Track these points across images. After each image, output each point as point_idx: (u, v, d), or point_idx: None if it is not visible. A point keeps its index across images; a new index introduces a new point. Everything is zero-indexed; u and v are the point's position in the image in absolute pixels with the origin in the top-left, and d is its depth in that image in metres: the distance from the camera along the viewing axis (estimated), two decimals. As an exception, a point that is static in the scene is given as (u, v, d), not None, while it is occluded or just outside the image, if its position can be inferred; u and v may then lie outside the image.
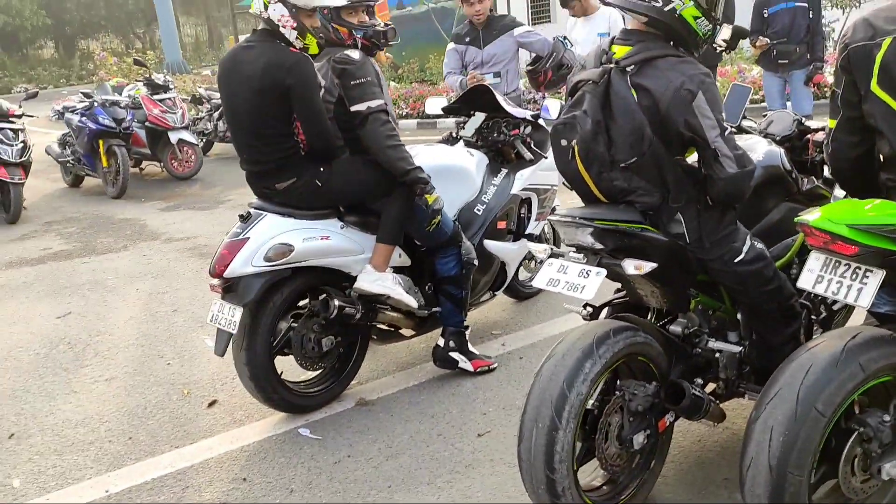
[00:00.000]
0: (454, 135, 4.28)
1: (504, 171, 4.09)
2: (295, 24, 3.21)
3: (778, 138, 3.01)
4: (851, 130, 2.30)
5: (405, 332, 3.83)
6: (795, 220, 2.11)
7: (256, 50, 3.26)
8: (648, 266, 2.31)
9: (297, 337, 3.38)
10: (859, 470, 2.16)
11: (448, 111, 4.39)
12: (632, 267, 2.32)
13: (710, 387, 2.68)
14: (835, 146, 2.40)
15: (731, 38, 2.32)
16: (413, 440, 3.21)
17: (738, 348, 2.55)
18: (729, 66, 10.98)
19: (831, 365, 2.06)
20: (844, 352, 2.08)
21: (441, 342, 3.72)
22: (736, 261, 2.49)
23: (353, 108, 3.33)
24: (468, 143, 4.17)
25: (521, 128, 4.11)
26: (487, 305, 4.30)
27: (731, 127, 2.85)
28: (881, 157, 2.28)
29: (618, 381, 2.50)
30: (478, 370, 3.70)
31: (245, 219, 3.28)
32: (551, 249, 2.46)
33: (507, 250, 4.05)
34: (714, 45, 2.72)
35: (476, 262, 3.73)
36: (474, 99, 4.22)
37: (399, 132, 3.49)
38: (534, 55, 4.93)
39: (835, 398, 2.04)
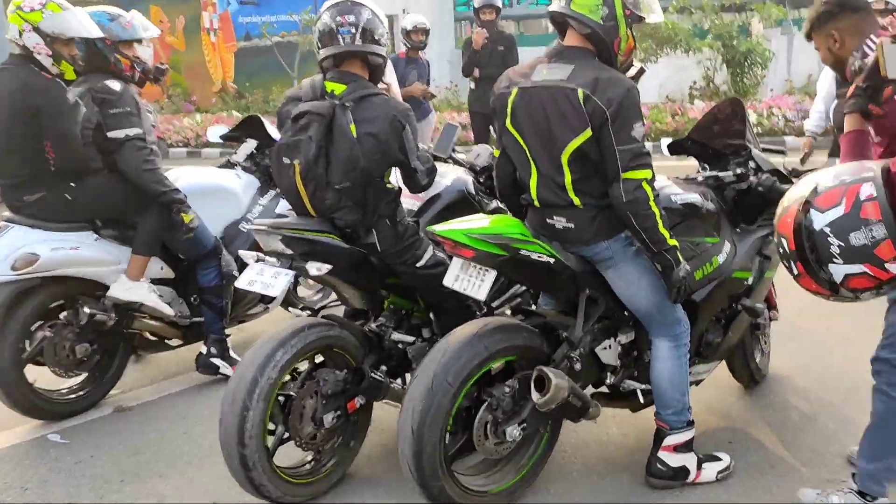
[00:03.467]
0: (230, 160, 4.62)
1: (273, 192, 4.46)
2: (50, 53, 3.46)
3: (478, 168, 3.59)
4: (506, 159, 2.86)
5: (172, 341, 4.09)
6: (427, 229, 2.61)
7: (10, 73, 3.47)
8: (327, 268, 2.74)
9: (49, 345, 3.56)
10: (492, 433, 2.66)
11: (225, 138, 4.73)
12: (314, 269, 2.74)
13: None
14: (497, 171, 2.95)
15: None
16: (160, 439, 3.46)
17: (412, 338, 3.01)
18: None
19: (462, 346, 2.55)
20: (474, 336, 2.58)
21: (204, 350, 4.00)
22: (418, 265, 2.99)
23: (111, 135, 3.58)
24: (244, 168, 4.53)
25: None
26: (263, 318, 4.61)
27: (443, 156, 3.38)
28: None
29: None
30: (237, 375, 4.00)
31: (-6, 231, 3.46)
32: (258, 256, 2.84)
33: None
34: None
35: (236, 273, 4.05)
36: (249, 127, 4.60)
37: (160, 159, 3.80)
38: None
39: (462, 372, 2.52)
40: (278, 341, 2.72)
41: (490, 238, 2.49)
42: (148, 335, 3.98)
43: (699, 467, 2.85)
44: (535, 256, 2.54)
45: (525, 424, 2.64)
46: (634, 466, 2.97)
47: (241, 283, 2.81)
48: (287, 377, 2.78)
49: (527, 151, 2.68)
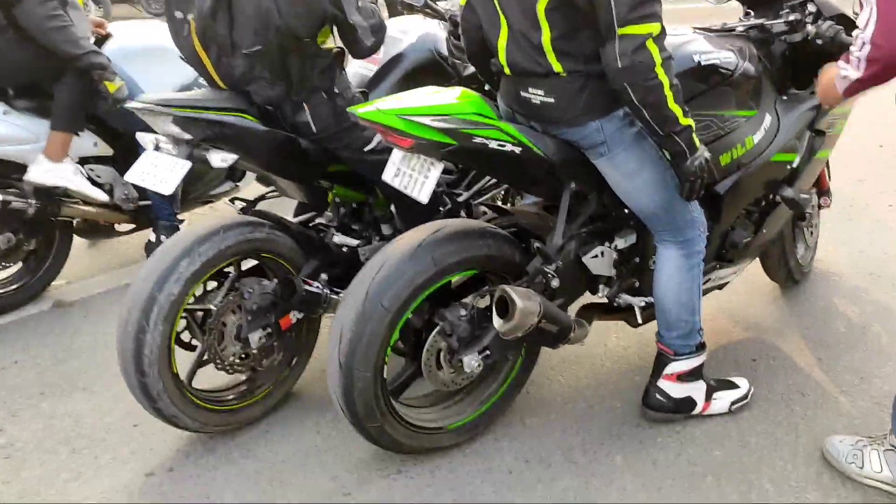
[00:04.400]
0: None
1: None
2: None
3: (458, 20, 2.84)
4: (471, 10, 2.15)
5: (121, 227, 3.61)
6: (348, 110, 1.95)
7: None
8: (232, 158, 2.15)
9: (-35, 236, 3.11)
10: (446, 363, 2.14)
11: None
12: (218, 159, 2.15)
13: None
14: (463, 26, 2.24)
15: None
16: (93, 343, 3.05)
17: (355, 241, 2.44)
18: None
19: (403, 259, 1.98)
20: (420, 246, 2.00)
21: (153, 237, 3.51)
22: (366, 149, 2.37)
23: None
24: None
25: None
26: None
27: (416, 4, 2.66)
28: None
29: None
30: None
31: None
32: (156, 140, 2.25)
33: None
34: None
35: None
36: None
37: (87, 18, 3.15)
38: None
39: (401, 294, 1.96)
40: (182, 248, 2.18)
41: (433, 121, 1.84)
42: (91, 221, 3.51)
43: (709, 397, 2.31)
44: (493, 145, 1.89)
45: (487, 353, 2.11)
46: (633, 391, 2.45)
47: (132, 176, 2.23)
48: (200, 290, 2.27)
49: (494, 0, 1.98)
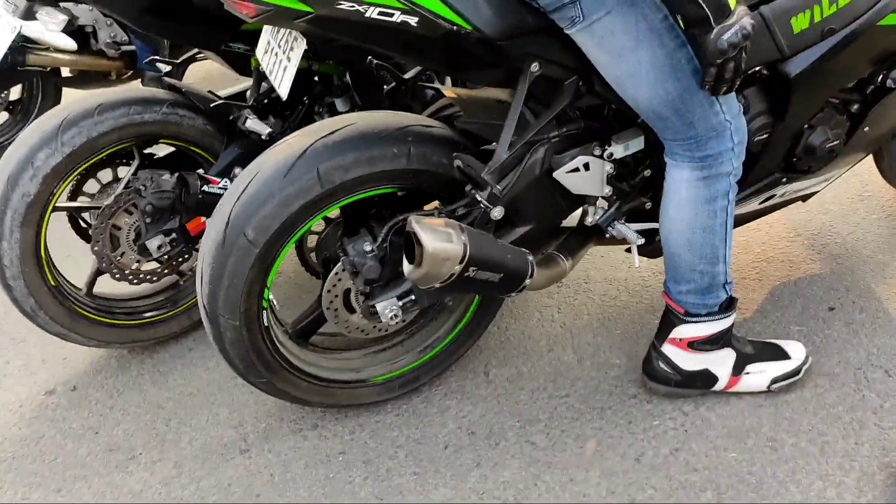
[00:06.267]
0: None
1: None
2: None
3: None
4: None
5: (111, 74, 3.20)
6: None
7: None
8: (63, 19, 1.58)
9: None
10: (358, 305, 1.59)
11: None
12: (51, 23, 1.59)
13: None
14: None
15: None
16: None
17: (266, 128, 1.82)
18: None
19: (276, 176, 1.40)
20: (303, 157, 1.40)
21: (144, 91, 3.07)
22: None
23: None
24: None
25: None
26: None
27: None
28: None
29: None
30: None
31: None
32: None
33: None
34: None
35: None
36: None
37: None
38: None
39: (272, 223, 1.41)
40: (41, 136, 1.71)
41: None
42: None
43: (739, 370, 1.63)
44: (372, 13, 1.19)
45: (411, 300, 1.53)
46: (644, 343, 1.80)
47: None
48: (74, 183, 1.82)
49: None
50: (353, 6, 1.18)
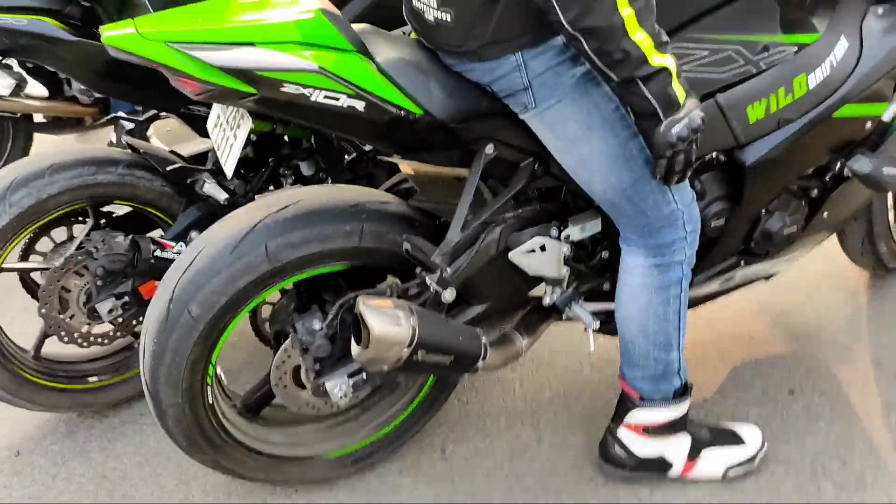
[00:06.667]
0: None
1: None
2: None
3: None
4: None
5: (86, 120, 3.19)
6: (99, 29, 1.27)
7: None
8: (9, 84, 1.56)
9: None
10: (308, 381, 1.54)
11: None
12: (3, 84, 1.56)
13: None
14: None
15: None
16: None
17: (223, 194, 1.80)
18: None
19: (224, 251, 1.37)
20: (253, 231, 1.38)
21: (114, 137, 3.05)
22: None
23: None
24: None
25: None
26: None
27: None
28: None
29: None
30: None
31: None
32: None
33: None
34: None
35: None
36: None
37: None
38: None
39: (217, 299, 1.37)
40: (-5, 194, 1.68)
41: (217, 55, 1.14)
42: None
43: (695, 454, 1.60)
44: (317, 96, 1.18)
45: (361, 379, 1.49)
46: (605, 420, 1.77)
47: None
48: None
49: None
50: (297, 89, 1.17)
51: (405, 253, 1.41)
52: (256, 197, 1.87)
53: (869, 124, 1.54)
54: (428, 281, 1.37)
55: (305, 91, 1.17)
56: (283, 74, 1.15)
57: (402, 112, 1.22)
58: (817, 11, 1.44)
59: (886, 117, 1.56)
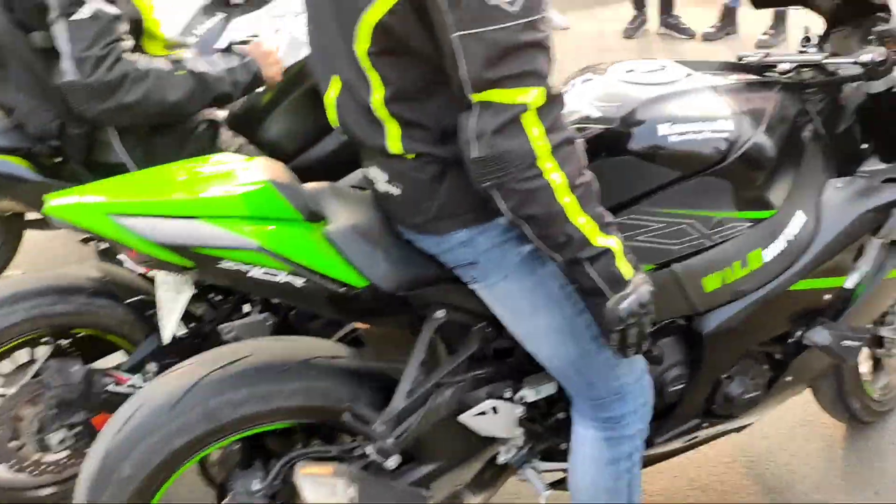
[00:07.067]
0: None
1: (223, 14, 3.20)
2: None
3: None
4: None
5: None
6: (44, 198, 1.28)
7: None
8: None
9: None
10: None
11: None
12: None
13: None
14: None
15: None
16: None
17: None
18: None
19: (161, 410, 1.34)
20: (193, 389, 1.35)
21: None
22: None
23: None
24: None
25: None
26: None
27: None
28: None
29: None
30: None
31: None
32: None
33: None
34: None
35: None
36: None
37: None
38: None
39: (151, 459, 1.33)
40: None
41: (155, 229, 1.14)
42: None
43: None
44: (256, 273, 1.18)
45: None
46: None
47: None
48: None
49: (317, 32, 1.26)
50: (234, 266, 1.16)
51: (345, 424, 1.37)
52: (221, 327, 1.86)
53: (828, 296, 1.52)
54: (368, 451, 1.33)
55: (242, 268, 1.17)
56: (221, 252, 1.15)
57: (343, 288, 1.21)
58: (774, 186, 1.44)
59: (849, 284, 1.55)
